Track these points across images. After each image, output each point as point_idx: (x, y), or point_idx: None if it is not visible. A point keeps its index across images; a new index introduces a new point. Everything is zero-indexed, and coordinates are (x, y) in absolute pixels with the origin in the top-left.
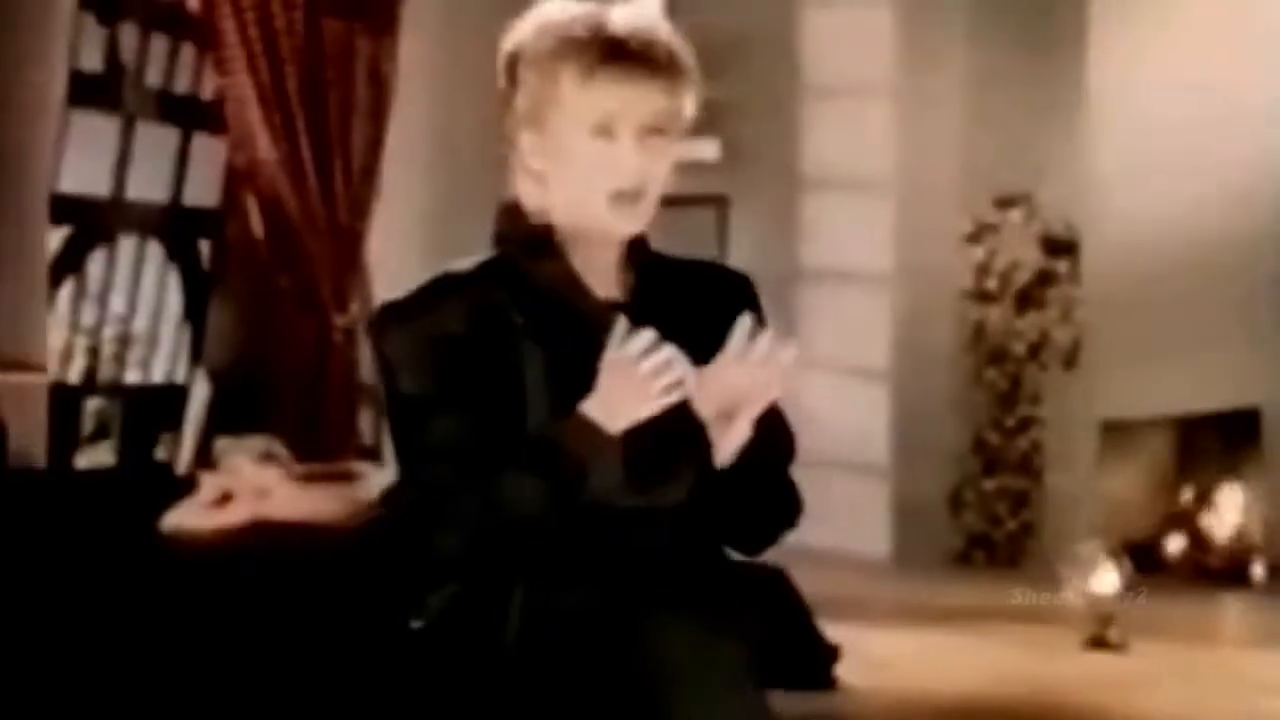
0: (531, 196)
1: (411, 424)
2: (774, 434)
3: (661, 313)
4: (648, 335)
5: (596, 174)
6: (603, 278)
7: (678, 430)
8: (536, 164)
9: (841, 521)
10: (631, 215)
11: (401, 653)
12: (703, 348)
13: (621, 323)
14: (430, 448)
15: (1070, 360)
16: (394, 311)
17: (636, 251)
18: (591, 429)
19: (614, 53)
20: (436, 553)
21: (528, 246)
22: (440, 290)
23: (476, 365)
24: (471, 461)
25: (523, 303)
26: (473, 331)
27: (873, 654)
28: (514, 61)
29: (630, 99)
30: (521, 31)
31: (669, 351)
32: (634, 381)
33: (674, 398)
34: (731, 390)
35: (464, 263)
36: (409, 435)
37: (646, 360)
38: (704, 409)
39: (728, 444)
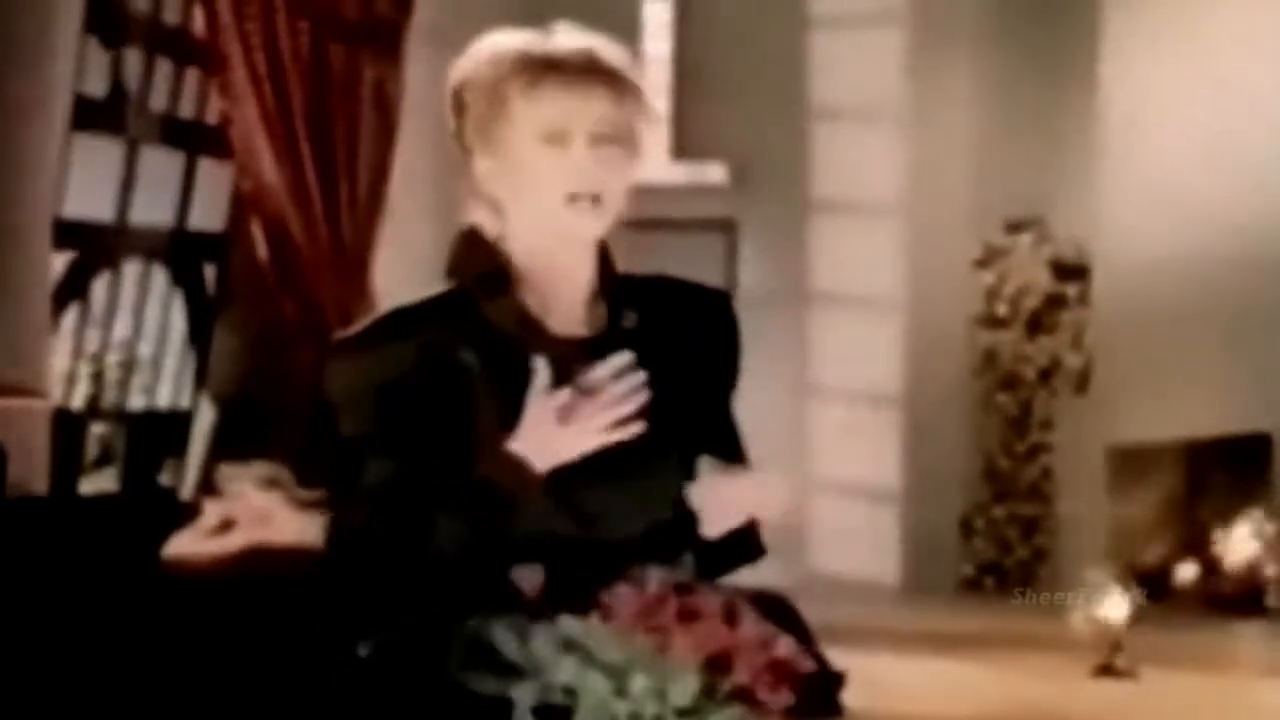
0: (489, 226)
1: (348, 465)
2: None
3: (633, 343)
4: (598, 374)
5: (551, 179)
6: (567, 312)
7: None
8: (491, 189)
9: (850, 547)
10: (589, 218)
11: (352, 681)
12: (678, 371)
13: (541, 367)
14: (364, 491)
15: (1081, 385)
16: (339, 351)
17: (607, 280)
18: (518, 465)
19: (557, 64)
20: (369, 593)
21: (483, 282)
22: (388, 329)
23: (420, 408)
24: (402, 506)
25: (476, 342)
26: (420, 372)
27: (879, 681)
28: (460, 91)
29: (577, 106)
30: (464, 64)
31: (614, 391)
32: (566, 421)
33: (612, 437)
34: (734, 505)
35: (415, 299)
36: (344, 477)
37: (583, 399)
38: (708, 522)
39: (714, 531)
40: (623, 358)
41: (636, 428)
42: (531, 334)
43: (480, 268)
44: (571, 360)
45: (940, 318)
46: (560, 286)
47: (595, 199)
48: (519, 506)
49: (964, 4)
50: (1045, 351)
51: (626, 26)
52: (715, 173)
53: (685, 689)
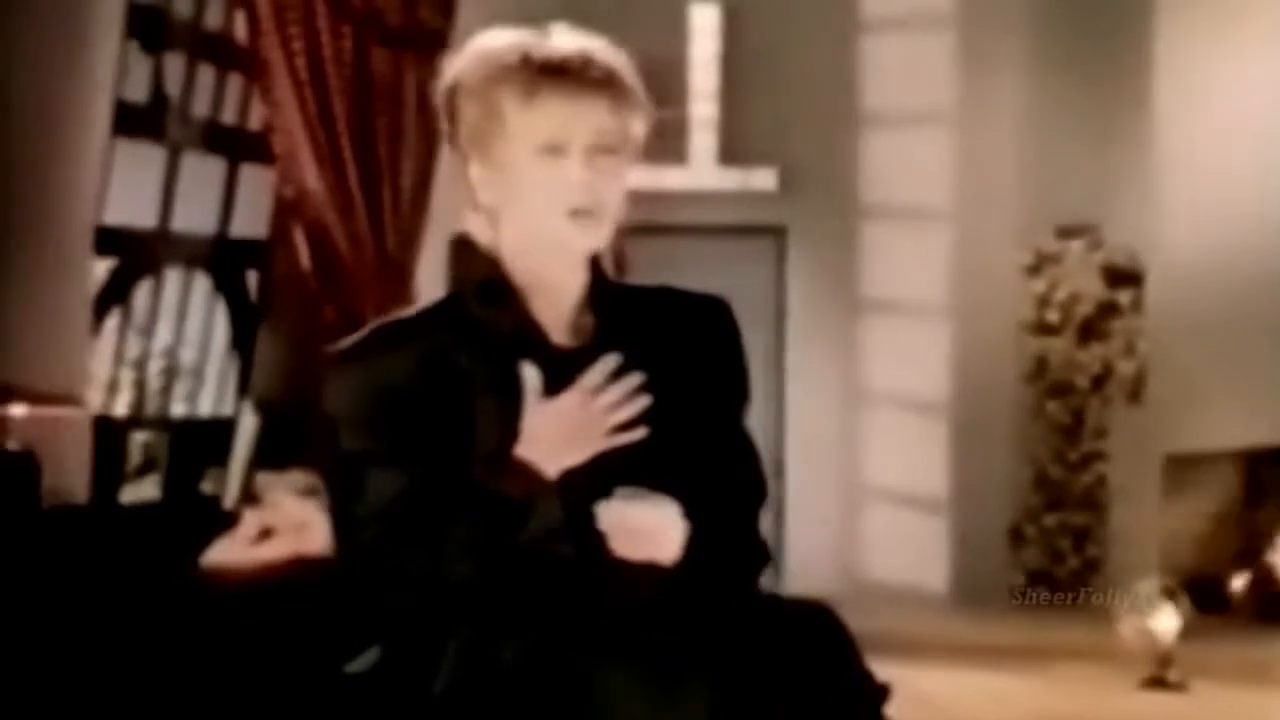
0: (483, 232)
1: (350, 480)
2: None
3: (625, 352)
4: (591, 378)
5: (548, 194)
6: (560, 321)
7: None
8: (485, 197)
9: (899, 556)
10: (588, 232)
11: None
12: (671, 381)
13: (531, 374)
14: (368, 506)
15: (1134, 393)
16: (337, 363)
17: (598, 289)
18: (529, 471)
19: (553, 72)
20: (376, 610)
21: (479, 291)
22: (386, 340)
23: (421, 419)
24: (409, 521)
25: (474, 350)
26: (419, 384)
27: (925, 693)
28: (451, 96)
29: (574, 117)
30: (456, 65)
31: (613, 395)
32: (570, 424)
33: (612, 442)
34: (636, 536)
35: (412, 310)
36: (347, 491)
37: (587, 403)
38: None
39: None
40: (613, 360)
41: (638, 433)
42: (529, 342)
43: (475, 276)
44: (566, 368)
45: (990, 324)
46: (551, 295)
47: (591, 213)
48: (532, 516)
49: (1015, 8)
50: (1098, 359)
51: (674, 29)
52: (764, 178)
53: None
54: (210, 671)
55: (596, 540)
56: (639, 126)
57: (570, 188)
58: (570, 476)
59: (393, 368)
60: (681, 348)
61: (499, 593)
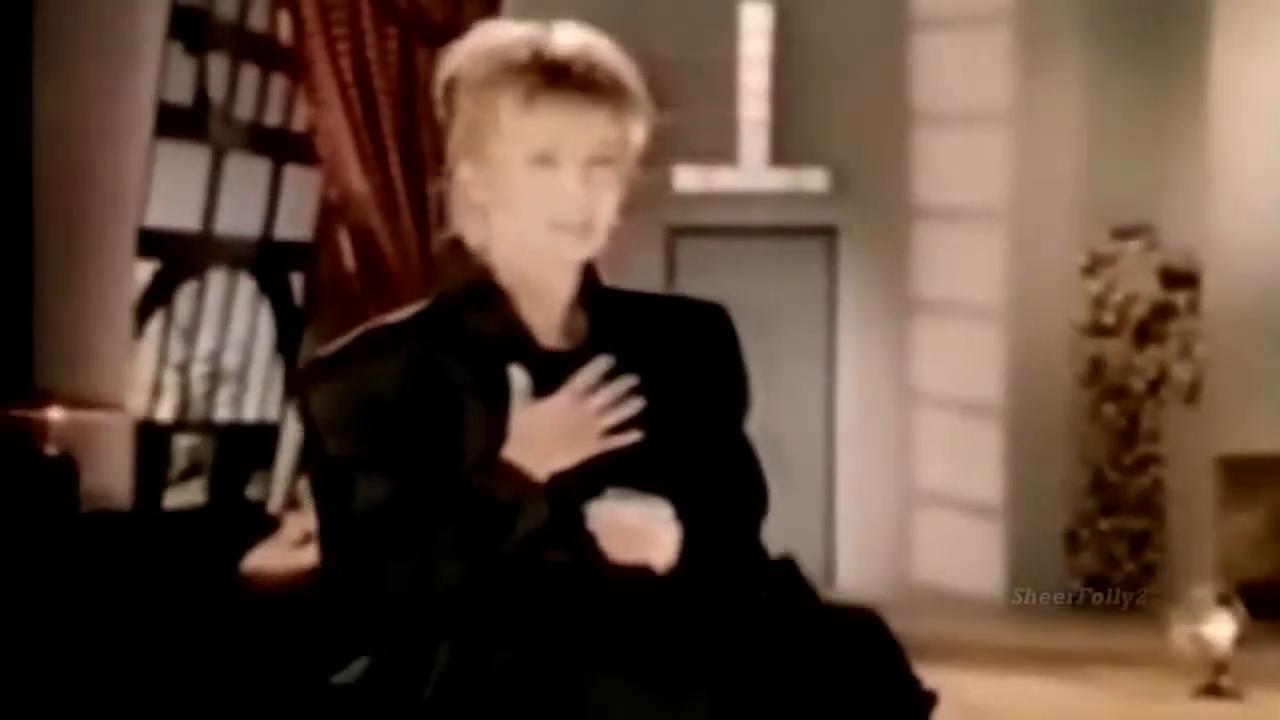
0: (473, 232)
1: (336, 488)
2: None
3: (617, 356)
4: (583, 379)
5: (539, 203)
6: (550, 324)
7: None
8: (477, 195)
9: (952, 560)
10: (578, 243)
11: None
12: (663, 388)
13: (519, 376)
14: (355, 513)
15: (1191, 396)
16: (321, 368)
17: (590, 292)
18: (515, 473)
19: (555, 78)
20: (365, 618)
21: (467, 294)
22: (371, 345)
23: (408, 425)
24: (394, 525)
25: (461, 354)
26: (405, 389)
27: (974, 700)
28: (450, 89)
29: (573, 127)
30: (457, 57)
31: (604, 396)
32: (560, 426)
33: (604, 445)
34: (628, 538)
35: (400, 313)
36: (333, 500)
37: (578, 405)
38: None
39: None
40: (604, 362)
41: (630, 436)
42: (517, 345)
43: (464, 278)
44: (556, 371)
45: (1045, 326)
46: (541, 298)
47: (582, 226)
48: (519, 517)
49: (1071, 6)
50: (1154, 361)
51: (724, 28)
52: (815, 179)
53: None
54: (261, 673)
55: (590, 544)
56: (640, 133)
57: (562, 200)
58: (562, 480)
59: (377, 373)
60: (676, 352)
61: (490, 598)
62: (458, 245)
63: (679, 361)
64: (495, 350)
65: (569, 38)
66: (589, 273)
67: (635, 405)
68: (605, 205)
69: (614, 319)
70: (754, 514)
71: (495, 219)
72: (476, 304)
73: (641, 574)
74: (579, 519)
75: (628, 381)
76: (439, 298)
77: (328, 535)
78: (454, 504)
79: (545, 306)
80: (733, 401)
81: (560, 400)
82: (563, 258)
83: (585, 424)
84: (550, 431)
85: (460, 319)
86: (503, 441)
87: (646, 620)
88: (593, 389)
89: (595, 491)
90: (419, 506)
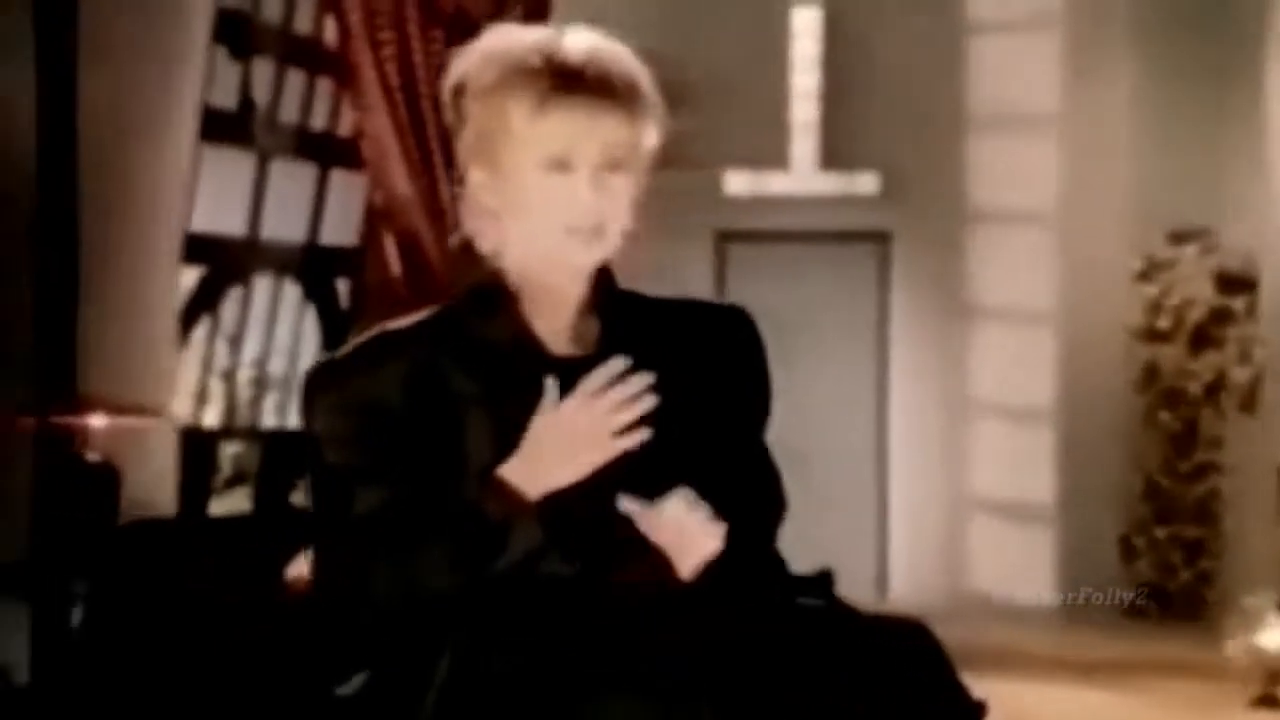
0: (485, 236)
1: (335, 496)
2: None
3: (632, 360)
4: (594, 381)
5: (551, 209)
6: (562, 330)
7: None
8: (488, 200)
9: (1005, 568)
10: (590, 248)
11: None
12: (678, 392)
13: (551, 389)
14: (349, 523)
15: (1248, 403)
16: (323, 375)
17: (604, 296)
18: (509, 493)
19: (567, 82)
20: (355, 628)
21: (474, 300)
22: (375, 353)
23: (409, 435)
24: (391, 537)
25: (468, 362)
26: (408, 398)
27: (1024, 709)
28: (459, 94)
29: (585, 132)
30: (466, 61)
31: (616, 397)
32: (572, 432)
33: (619, 447)
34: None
35: (405, 320)
36: (331, 507)
37: (589, 408)
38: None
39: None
40: (619, 363)
41: (643, 434)
42: (525, 352)
43: (474, 283)
44: (567, 377)
45: (1100, 331)
46: (552, 303)
47: (594, 230)
48: (511, 537)
49: (1125, 9)
50: (1211, 367)
51: (776, 31)
52: (867, 183)
53: None
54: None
55: (597, 555)
56: (653, 136)
57: (574, 205)
58: (574, 489)
59: (377, 382)
60: (692, 356)
61: (488, 609)
62: (467, 249)
63: (695, 365)
64: (502, 357)
65: (580, 42)
66: (603, 277)
67: (648, 403)
68: (618, 209)
69: (627, 324)
70: (770, 521)
71: (507, 224)
72: (484, 310)
73: (650, 583)
74: (592, 527)
75: (641, 381)
76: (449, 302)
77: (320, 543)
78: (443, 519)
79: (555, 312)
80: (752, 406)
81: (571, 405)
82: (575, 262)
83: (597, 427)
84: (563, 438)
85: (467, 325)
86: (510, 451)
87: (650, 630)
88: (603, 391)
89: (608, 499)
90: (409, 520)
